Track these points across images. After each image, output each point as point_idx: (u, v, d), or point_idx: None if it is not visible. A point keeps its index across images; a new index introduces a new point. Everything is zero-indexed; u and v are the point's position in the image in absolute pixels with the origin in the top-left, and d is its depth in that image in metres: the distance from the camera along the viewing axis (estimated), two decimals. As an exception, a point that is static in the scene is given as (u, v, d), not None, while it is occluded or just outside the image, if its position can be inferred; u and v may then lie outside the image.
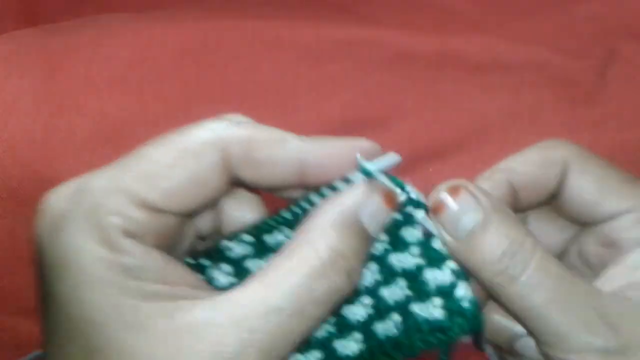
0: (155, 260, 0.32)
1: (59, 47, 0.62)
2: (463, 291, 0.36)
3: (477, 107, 0.64)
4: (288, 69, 0.65)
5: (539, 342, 0.37)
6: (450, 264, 0.37)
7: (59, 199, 0.33)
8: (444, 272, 0.37)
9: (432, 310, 0.36)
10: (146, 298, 0.31)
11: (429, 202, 0.38)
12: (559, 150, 0.42)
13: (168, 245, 0.35)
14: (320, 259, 0.32)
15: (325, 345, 0.37)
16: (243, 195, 0.39)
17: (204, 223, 0.39)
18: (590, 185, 0.42)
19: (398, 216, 0.38)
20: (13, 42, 0.63)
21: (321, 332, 0.37)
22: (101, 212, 0.31)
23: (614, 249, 0.41)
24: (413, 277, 0.37)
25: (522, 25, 0.72)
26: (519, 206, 0.42)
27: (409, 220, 0.38)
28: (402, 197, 0.38)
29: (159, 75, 0.63)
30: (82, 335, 0.31)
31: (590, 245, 0.43)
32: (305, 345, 0.36)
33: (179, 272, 0.33)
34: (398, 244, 0.38)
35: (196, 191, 0.34)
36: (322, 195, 0.37)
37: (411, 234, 0.38)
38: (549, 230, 0.45)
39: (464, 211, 0.36)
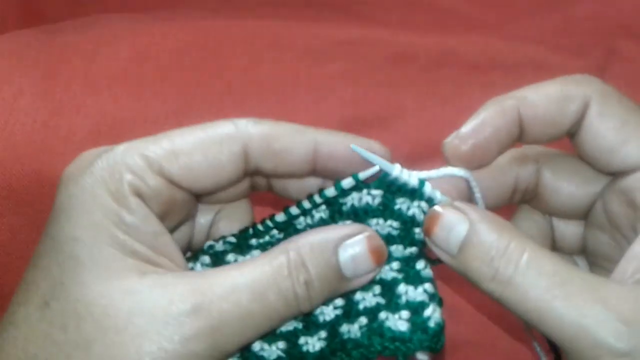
0: (151, 225, 0.35)
1: (59, 47, 0.63)
2: (431, 312, 0.37)
3: (477, 106, 0.64)
4: (287, 69, 0.65)
5: (564, 350, 0.35)
6: (427, 286, 0.38)
7: (89, 153, 0.37)
8: (417, 291, 0.38)
9: (398, 321, 0.37)
10: (127, 253, 0.34)
11: (423, 228, 0.39)
12: (580, 86, 0.39)
13: (170, 224, 0.38)
14: (287, 257, 0.35)
15: (289, 338, 0.39)
16: (235, 211, 0.43)
17: (194, 234, 0.43)
18: (609, 128, 0.38)
19: (395, 230, 0.40)
20: (13, 42, 0.63)
21: (288, 327, 0.39)
22: (120, 168, 0.35)
23: (638, 210, 0.38)
24: (388, 287, 0.39)
25: (522, 24, 0.72)
26: (528, 138, 0.40)
27: (406, 235, 0.40)
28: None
29: (159, 75, 0.63)
30: (60, 269, 0.34)
31: (615, 204, 0.40)
32: (272, 336, 0.38)
33: (167, 244, 0.36)
34: None
35: (211, 173, 0.37)
36: (301, 207, 0.40)
37: (398, 249, 0.40)
38: (572, 182, 0.42)
39: (452, 226, 0.37)
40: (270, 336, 0.38)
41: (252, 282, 0.34)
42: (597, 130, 0.39)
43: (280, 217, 0.41)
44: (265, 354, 0.38)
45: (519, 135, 0.40)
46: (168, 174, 0.36)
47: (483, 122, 0.39)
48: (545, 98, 0.39)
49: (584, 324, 0.33)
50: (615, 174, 0.40)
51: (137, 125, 0.59)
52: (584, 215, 0.43)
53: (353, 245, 0.37)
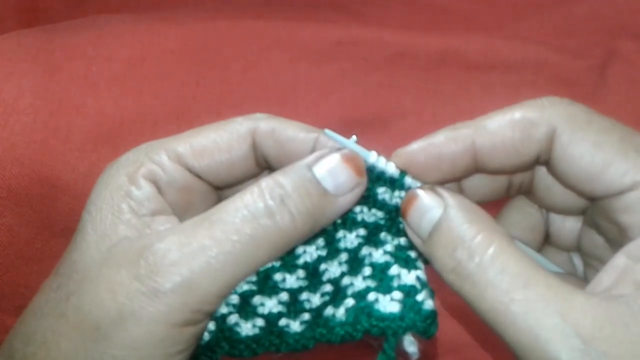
0: (156, 204, 0.38)
1: (59, 47, 0.63)
2: (423, 297, 0.37)
3: (477, 106, 0.64)
4: (287, 69, 0.65)
5: (516, 356, 0.33)
6: (419, 273, 0.38)
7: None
8: (410, 275, 0.38)
9: (389, 303, 0.36)
10: (124, 222, 0.36)
11: (402, 204, 0.38)
12: (544, 111, 0.36)
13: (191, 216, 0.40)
14: (258, 185, 0.36)
15: (270, 319, 0.38)
16: None
17: None
18: (582, 155, 0.35)
19: (381, 220, 0.40)
20: (13, 42, 0.63)
21: (271, 309, 0.39)
22: (141, 157, 0.39)
23: (623, 231, 0.35)
24: (379, 270, 0.38)
25: (522, 24, 0.72)
26: (489, 168, 0.38)
27: (392, 224, 0.40)
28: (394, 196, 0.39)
29: (159, 75, 0.63)
30: (73, 239, 0.38)
31: (603, 220, 0.38)
32: (251, 314, 0.38)
33: (169, 224, 0.38)
34: (373, 240, 0.40)
35: (222, 155, 0.39)
36: None
37: (387, 237, 0.40)
38: (563, 189, 0.40)
39: (426, 209, 0.36)
40: (249, 314, 0.38)
41: (223, 215, 0.35)
42: (570, 158, 0.35)
43: None
44: (240, 329, 0.38)
45: (475, 166, 0.38)
46: (183, 156, 0.39)
47: (432, 145, 0.38)
48: (504, 125, 0.36)
49: (538, 335, 0.31)
50: (599, 199, 0.37)
51: (137, 125, 0.59)
52: (581, 212, 0.42)
53: (326, 159, 0.37)
